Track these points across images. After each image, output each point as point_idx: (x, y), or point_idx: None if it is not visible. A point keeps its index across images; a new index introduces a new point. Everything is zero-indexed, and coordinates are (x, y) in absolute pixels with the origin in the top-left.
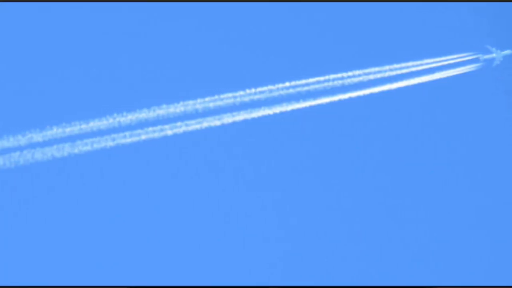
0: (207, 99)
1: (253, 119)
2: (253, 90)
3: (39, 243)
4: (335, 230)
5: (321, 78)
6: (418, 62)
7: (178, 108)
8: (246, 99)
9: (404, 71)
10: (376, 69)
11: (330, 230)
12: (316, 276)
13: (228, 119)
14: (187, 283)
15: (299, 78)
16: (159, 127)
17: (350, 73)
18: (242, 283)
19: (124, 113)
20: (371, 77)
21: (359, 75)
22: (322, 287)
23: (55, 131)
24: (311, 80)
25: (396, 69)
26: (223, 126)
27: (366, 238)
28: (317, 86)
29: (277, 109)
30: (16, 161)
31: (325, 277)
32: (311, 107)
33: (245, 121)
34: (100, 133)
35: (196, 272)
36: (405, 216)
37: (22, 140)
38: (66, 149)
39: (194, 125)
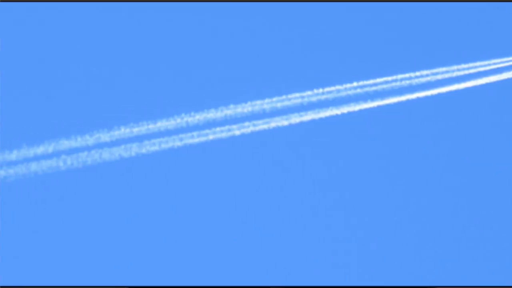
0: (274, 99)
1: (321, 119)
2: (320, 90)
3: (102, 243)
4: (404, 231)
5: (389, 78)
6: (486, 62)
7: (245, 108)
8: (314, 99)
9: (471, 71)
10: (444, 69)
11: (399, 231)
12: (378, 277)
13: (295, 119)
14: (256, 283)
15: (367, 78)
16: (226, 127)
17: (417, 73)
18: (309, 283)
19: (192, 113)
20: (439, 77)
21: (427, 75)
22: (341, 287)
23: (123, 131)
24: (378, 80)
25: (463, 69)
26: (290, 126)
27: (430, 240)
28: (384, 86)
29: (345, 109)
30: (83, 161)
31: (388, 278)
32: (378, 107)
33: (312, 121)
34: (168, 133)
35: (262, 272)
36: (471, 217)
37: (89, 140)
38: (134, 149)
39: (261, 125)
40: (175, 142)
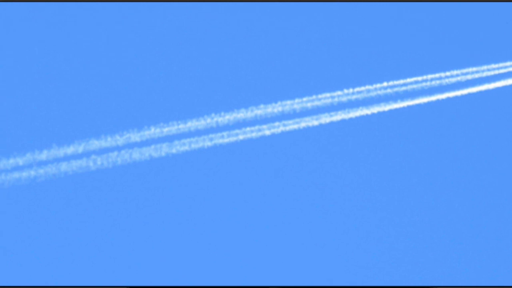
0: (305, 99)
1: (351, 119)
2: (351, 90)
3: (125, 241)
4: (404, 231)
5: (419, 78)
6: None
7: (275, 108)
8: (344, 99)
9: (502, 71)
10: (474, 69)
11: (399, 231)
12: (421, 277)
13: (325, 119)
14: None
15: (397, 78)
16: (256, 127)
17: (448, 73)
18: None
19: (222, 113)
20: (469, 77)
21: (457, 75)
22: (341, 287)
23: (153, 131)
24: (408, 80)
25: (493, 69)
26: (320, 126)
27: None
28: (414, 86)
29: (375, 109)
30: (114, 161)
31: (388, 278)
32: (408, 107)
33: (342, 121)
34: (198, 133)
35: (264, 272)
36: (472, 217)
37: (120, 140)
38: (164, 149)
39: (291, 125)
40: (205, 142)
